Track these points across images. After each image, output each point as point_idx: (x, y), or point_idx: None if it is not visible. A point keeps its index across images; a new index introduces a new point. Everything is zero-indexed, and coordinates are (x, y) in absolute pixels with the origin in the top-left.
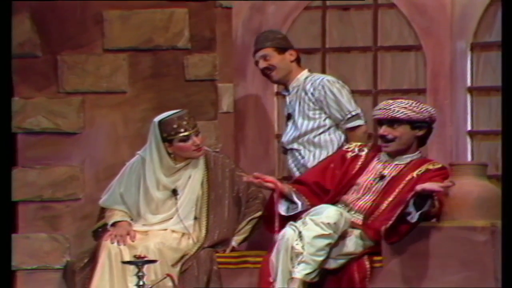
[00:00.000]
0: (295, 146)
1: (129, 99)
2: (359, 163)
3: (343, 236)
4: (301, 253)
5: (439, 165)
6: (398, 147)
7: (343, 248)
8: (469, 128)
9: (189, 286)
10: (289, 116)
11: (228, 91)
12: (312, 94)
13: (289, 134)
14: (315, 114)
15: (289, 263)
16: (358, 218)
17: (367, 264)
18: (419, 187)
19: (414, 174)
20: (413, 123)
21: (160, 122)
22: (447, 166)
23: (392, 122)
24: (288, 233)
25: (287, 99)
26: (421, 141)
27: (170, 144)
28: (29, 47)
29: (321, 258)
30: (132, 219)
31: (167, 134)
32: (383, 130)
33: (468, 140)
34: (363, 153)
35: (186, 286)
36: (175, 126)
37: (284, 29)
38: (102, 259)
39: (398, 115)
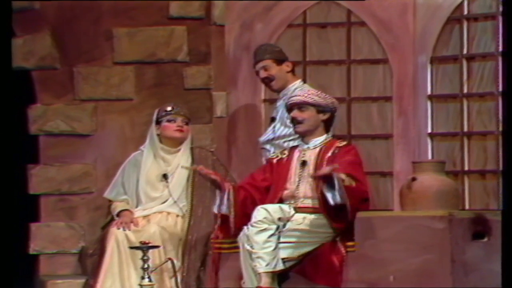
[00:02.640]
0: (267, 146)
1: (135, 105)
2: (284, 161)
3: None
4: (252, 251)
5: (345, 143)
6: (306, 127)
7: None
8: (429, 130)
9: (187, 268)
10: (273, 119)
11: (222, 98)
12: None
13: (266, 135)
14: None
15: (248, 263)
16: (308, 204)
17: (342, 249)
18: (316, 175)
19: (330, 154)
20: (318, 107)
21: (160, 108)
22: (411, 164)
23: (301, 106)
24: (240, 237)
25: (277, 103)
26: (327, 126)
27: (159, 125)
28: (49, 60)
29: (270, 249)
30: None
31: (160, 116)
32: (294, 113)
33: (429, 141)
34: (285, 155)
35: (184, 268)
36: (168, 109)
37: None
38: (111, 244)
39: (307, 100)
